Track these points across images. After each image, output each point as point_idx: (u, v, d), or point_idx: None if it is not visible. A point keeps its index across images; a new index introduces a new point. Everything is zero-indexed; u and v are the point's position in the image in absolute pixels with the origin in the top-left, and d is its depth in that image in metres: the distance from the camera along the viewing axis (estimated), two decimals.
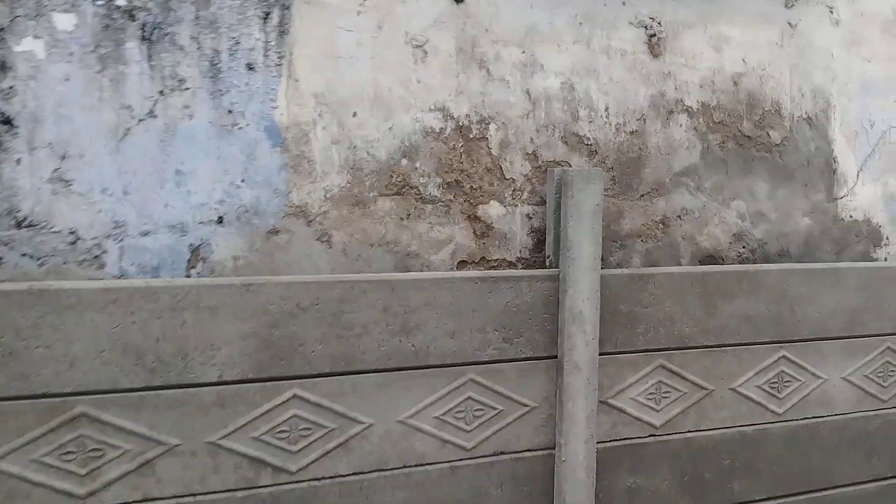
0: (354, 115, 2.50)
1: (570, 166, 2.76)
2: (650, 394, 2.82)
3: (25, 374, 2.13)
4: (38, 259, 2.25)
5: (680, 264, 2.95)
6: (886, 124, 3.25)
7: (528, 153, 2.72)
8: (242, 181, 2.40)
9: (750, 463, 2.97)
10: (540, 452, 2.69)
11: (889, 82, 3.24)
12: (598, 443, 2.73)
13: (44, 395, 2.16)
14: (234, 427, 2.32)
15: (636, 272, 2.80)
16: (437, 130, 2.59)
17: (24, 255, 2.23)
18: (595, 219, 2.66)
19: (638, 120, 2.85)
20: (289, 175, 2.44)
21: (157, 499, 2.27)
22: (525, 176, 2.73)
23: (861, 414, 3.18)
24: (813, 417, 3.09)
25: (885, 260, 3.31)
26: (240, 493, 2.34)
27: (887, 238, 3.30)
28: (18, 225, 2.23)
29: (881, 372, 3.21)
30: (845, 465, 3.16)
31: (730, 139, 2.98)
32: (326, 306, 2.39)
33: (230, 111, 2.38)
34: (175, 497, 2.28)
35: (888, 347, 3.21)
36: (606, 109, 2.80)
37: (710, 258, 3.00)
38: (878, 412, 3.22)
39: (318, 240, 2.48)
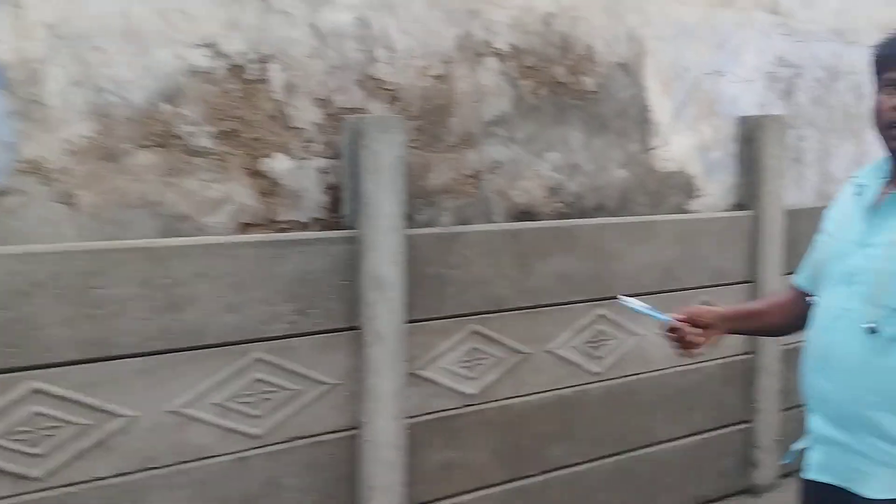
0: (100, 50, 2.10)
1: (369, 114, 2.50)
2: (464, 362, 2.65)
3: None
4: None
5: (493, 221, 2.78)
6: (700, 71, 3.22)
7: (318, 98, 2.43)
8: None
9: (569, 427, 2.89)
10: (343, 434, 2.46)
11: (702, 27, 3.20)
12: (407, 418, 2.54)
13: None
14: None
15: (445, 231, 2.60)
16: (206, 70, 2.24)
17: None
18: (396, 173, 2.42)
19: (443, 63, 2.62)
20: (17, 123, 2.02)
21: None
22: (317, 125, 2.44)
23: (679, 368, 3.18)
24: (631, 375, 3.05)
25: (700, 211, 3.30)
26: None
27: (701, 189, 3.30)
28: None
29: None
30: (664, 421, 3.16)
31: (543, 86, 2.82)
32: (70, 281, 2.01)
33: None
34: None
35: (705, 300, 3.22)
36: (408, 50, 2.55)
37: (525, 214, 2.85)
38: (696, 366, 3.23)
39: (59, 202, 2.08)
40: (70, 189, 2.08)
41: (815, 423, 1.62)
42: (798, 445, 1.71)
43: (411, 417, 2.56)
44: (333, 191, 2.49)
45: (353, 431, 2.47)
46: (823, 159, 3.72)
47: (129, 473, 2.13)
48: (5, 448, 1.97)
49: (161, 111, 2.18)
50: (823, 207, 3.59)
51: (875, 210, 1.54)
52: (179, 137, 2.21)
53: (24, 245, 2.01)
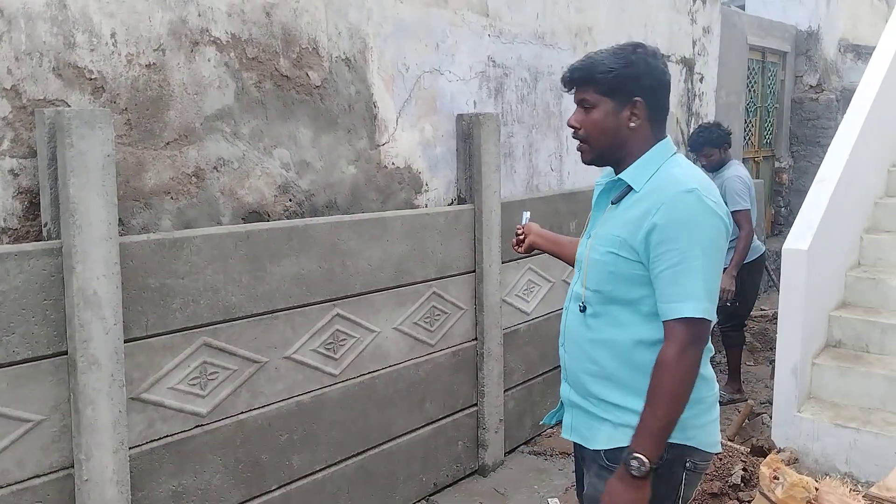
0: None
1: (69, 106, 2.22)
2: (194, 378, 2.48)
3: None
4: None
5: (221, 223, 2.64)
6: (420, 69, 3.33)
7: (5, 88, 2.11)
8: None
9: (309, 433, 2.85)
10: (54, 475, 2.19)
11: (421, 25, 3.32)
12: (130, 448, 2.32)
13: None
14: None
15: (166, 237, 2.41)
16: None
17: None
18: (106, 174, 2.19)
19: (156, 51, 2.41)
20: None
21: None
22: (4, 119, 2.11)
23: (413, 361, 3.29)
24: (369, 373, 3.09)
25: (427, 206, 3.44)
26: None
27: (427, 184, 3.43)
28: None
29: (428, 317, 3.36)
30: (401, 415, 3.25)
31: (267, 79, 2.73)
32: None
33: None
34: None
35: (434, 292, 3.37)
36: (113, 36, 2.31)
37: (255, 214, 2.74)
38: (427, 357, 3.37)
39: None
40: None
41: (563, 389, 1.89)
42: (552, 412, 1.99)
43: (135, 447, 2.35)
44: (28, 195, 2.18)
45: (66, 471, 2.20)
46: (530, 154, 4.07)
47: None
48: None
49: None
50: (533, 199, 3.94)
51: (596, 206, 1.84)
52: None
53: None
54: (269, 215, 2.78)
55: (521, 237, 2.25)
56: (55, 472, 2.19)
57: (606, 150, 1.76)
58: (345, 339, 2.99)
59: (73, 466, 2.21)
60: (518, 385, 3.93)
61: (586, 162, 1.81)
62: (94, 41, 2.27)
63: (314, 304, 2.85)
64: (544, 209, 3.96)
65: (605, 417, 1.75)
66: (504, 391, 3.78)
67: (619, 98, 1.72)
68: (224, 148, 2.62)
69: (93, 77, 2.28)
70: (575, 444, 1.89)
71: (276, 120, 2.77)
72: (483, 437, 3.67)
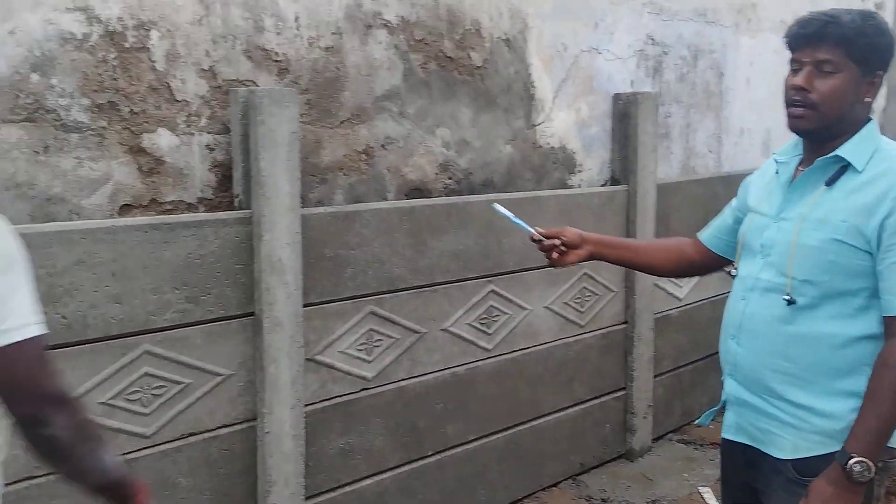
0: None
1: (257, 86, 2.44)
2: (361, 344, 2.67)
3: None
4: None
5: (386, 199, 2.81)
6: (578, 48, 3.38)
7: (203, 69, 2.34)
8: None
9: (462, 404, 2.99)
10: (239, 427, 2.42)
11: (580, 4, 3.37)
12: (305, 406, 2.53)
13: None
14: None
15: (341, 210, 2.60)
16: (80, 37, 2.10)
17: None
18: (291, 149, 2.39)
19: (333, 34, 2.60)
20: None
21: None
22: (202, 97, 2.35)
23: (562, 341, 3.37)
24: (520, 350, 3.20)
25: (580, 186, 3.49)
26: None
27: (581, 164, 3.49)
28: None
29: (579, 298, 3.42)
30: (549, 394, 3.34)
31: (432, 60, 2.87)
32: None
33: None
34: None
35: (585, 273, 3.42)
36: (297, 20, 2.51)
37: (417, 191, 2.90)
38: (577, 338, 3.44)
39: None
40: None
41: (730, 386, 1.79)
42: (711, 410, 1.89)
43: (309, 405, 2.56)
44: (222, 168, 2.41)
45: (249, 423, 2.44)
46: (687, 135, 4.03)
47: None
48: None
49: (30, 82, 2.02)
50: (689, 181, 3.92)
51: (790, 186, 1.71)
52: (51, 111, 2.06)
53: None
54: (429, 192, 2.93)
55: (558, 243, 1.88)
56: (240, 423, 2.43)
57: (834, 122, 1.62)
58: (498, 315, 3.11)
59: (255, 419, 2.45)
60: (668, 372, 3.92)
61: (803, 130, 1.65)
62: (280, 25, 2.48)
63: (470, 280, 2.98)
64: (701, 192, 3.91)
65: (787, 421, 1.65)
66: (654, 377, 3.79)
67: (865, 68, 1.60)
68: (391, 127, 2.79)
69: (278, 59, 2.49)
70: (730, 443, 1.80)
71: (439, 100, 2.91)
72: (631, 422, 3.70)
